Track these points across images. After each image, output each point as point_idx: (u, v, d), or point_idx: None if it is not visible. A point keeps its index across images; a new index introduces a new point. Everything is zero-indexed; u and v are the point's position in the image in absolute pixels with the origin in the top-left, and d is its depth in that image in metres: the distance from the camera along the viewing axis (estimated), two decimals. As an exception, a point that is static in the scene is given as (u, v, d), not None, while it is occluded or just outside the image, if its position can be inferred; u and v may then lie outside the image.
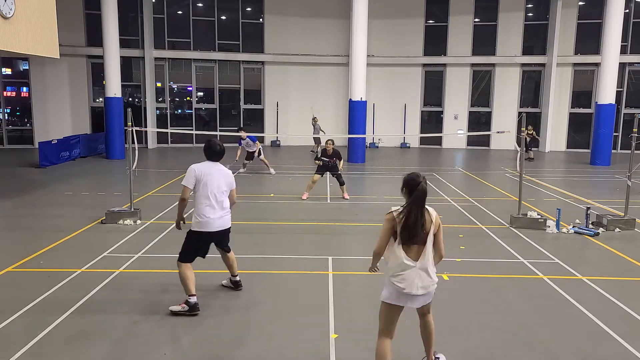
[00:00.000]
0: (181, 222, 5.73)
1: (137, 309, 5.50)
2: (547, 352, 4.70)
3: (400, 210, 3.85)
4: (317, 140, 19.93)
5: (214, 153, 5.51)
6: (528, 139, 18.91)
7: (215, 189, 5.43)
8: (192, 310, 5.31)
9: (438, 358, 4.41)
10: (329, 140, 11.87)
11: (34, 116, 22.17)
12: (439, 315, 5.38)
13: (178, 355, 4.56)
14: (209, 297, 5.82)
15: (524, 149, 9.59)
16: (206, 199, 5.40)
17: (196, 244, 5.56)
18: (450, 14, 24.09)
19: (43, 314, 5.30)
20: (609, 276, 6.68)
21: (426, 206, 3.89)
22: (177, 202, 5.63)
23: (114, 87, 18.89)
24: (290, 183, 13.66)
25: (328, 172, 11.82)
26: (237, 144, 15.45)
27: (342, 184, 11.73)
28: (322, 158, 11.62)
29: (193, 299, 5.33)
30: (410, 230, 3.79)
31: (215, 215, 5.45)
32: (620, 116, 22.69)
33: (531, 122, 20.86)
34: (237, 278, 6.05)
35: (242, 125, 20.50)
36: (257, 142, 15.25)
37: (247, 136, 15.27)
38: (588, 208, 9.19)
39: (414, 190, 3.84)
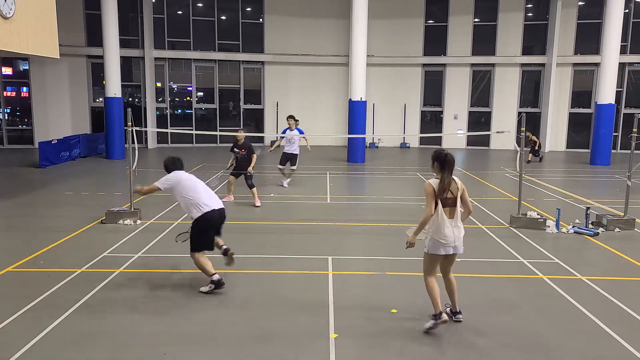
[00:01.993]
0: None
1: (137, 309, 5.50)
2: (547, 352, 4.70)
3: (438, 179, 4.93)
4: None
5: (180, 164, 6.30)
6: (532, 146, 18.80)
7: (201, 183, 6.22)
8: (218, 286, 5.89)
9: (460, 313, 5.29)
10: (241, 129, 11.22)
11: (34, 116, 22.17)
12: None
13: (178, 355, 4.56)
14: (209, 298, 5.82)
15: (524, 149, 9.58)
16: (201, 191, 6.05)
17: (204, 229, 6.00)
18: (450, 14, 24.09)
19: (43, 314, 5.30)
20: (609, 276, 6.68)
21: (453, 176, 4.99)
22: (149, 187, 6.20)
23: (114, 87, 18.89)
24: (290, 183, 13.65)
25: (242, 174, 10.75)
26: (281, 134, 13.45)
27: (250, 186, 10.71)
28: (234, 149, 10.69)
29: (216, 277, 5.88)
30: (446, 192, 4.91)
31: (213, 198, 6.10)
32: (620, 116, 22.69)
33: (531, 122, 20.85)
34: (225, 246, 6.44)
35: (242, 125, 20.11)
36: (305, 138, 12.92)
37: (297, 127, 13.02)
38: (588, 208, 9.19)
39: (445, 160, 4.93)
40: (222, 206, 6.12)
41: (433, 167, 5.05)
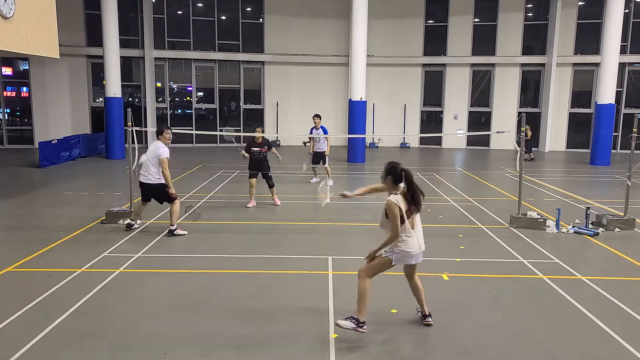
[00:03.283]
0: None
1: (137, 309, 5.50)
2: (547, 352, 4.70)
3: (400, 194, 4.73)
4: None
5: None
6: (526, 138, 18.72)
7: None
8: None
9: (430, 315, 5.16)
10: (259, 128, 11.23)
11: (34, 116, 22.18)
12: (438, 314, 5.40)
13: (178, 356, 4.56)
14: (208, 298, 5.82)
15: (524, 149, 9.59)
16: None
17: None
18: (450, 14, 24.09)
19: (43, 314, 5.30)
20: (609, 276, 6.68)
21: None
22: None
23: (114, 87, 18.89)
24: (290, 183, 13.65)
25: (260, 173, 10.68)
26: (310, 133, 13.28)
27: (271, 186, 10.75)
28: (252, 149, 10.55)
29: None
30: (413, 205, 4.77)
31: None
32: (620, 116, 22.69)
33: (531, 122, 20.84)
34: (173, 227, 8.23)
35: (242, 125, 20.00)
36: (327, 137, 12.65)
37: (321, 126, 12.99)
38: (588, 208, 9.19)
39: (400, 176, 4.73)
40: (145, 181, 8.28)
41: (385, 180, 4.81)
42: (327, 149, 13.13)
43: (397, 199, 4.68)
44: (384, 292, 6.10)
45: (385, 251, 4.87)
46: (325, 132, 13.00)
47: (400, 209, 4.66)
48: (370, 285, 4.85)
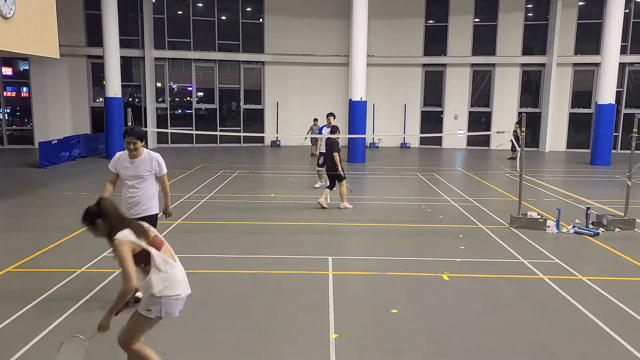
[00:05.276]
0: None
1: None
2: (547, 352, 4.70)
3: (125, 228, 3.65)
4: (313, 141, 19.59)
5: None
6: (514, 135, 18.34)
7: None
8: None
9: None
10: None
11: (34, 116, 22.18)
12: (439, 314, 5.40)
13: (178, 356, 4.56)
14: (208, 298, 5.82)
15: (524, 148, 9.58)
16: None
17: None
18: (450, 14, 24.10)
19: (43, 313, 5.30)
20: (609, 276, 6.68)
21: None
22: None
23: (114, 87, 18.89)
24: (290, 183, 13.66)
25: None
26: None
27: (340, 179, 10.69)
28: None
29: None
30: (145, 235, 3.71)
31: None
32: (620, 116, 22.69)
33: (531, 122, 20.86)
34: None
35: (242, 125, 19.78)
36: (330, 132, 11.81)
37: (322, 125, 12.48)
38: (588, 208, 9.18)
39: (103, 211, 3.72)
40: None
41: (95, 225, 3.77)
42: (316, 148, 12.84)
43: (124, 235, 3.59)
44: (386, 292, 6.11)
45: (137, 308, 3.76)
46: (319, 131, 12.54)
47: (133, 242, 3.59)
48: (148, 349, 3.90)
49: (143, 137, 5.56)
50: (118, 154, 5.70)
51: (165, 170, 5.65)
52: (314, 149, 12.99)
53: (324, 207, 10.43)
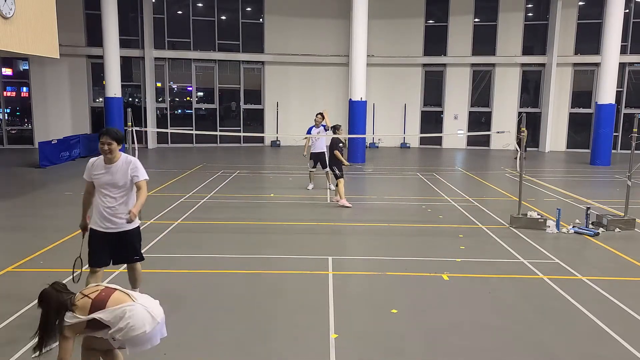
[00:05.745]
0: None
1: (137, 309, 5.49)
2: (547, 352, 4.70)
3: (82, 297, 3.60)
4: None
5: None
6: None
7: None
8: None
9: None
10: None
11: (34, 116, 22.17)
12: (439, 314, 5.40)
13: (178, 356, 4.55)
14: (208, 298, 5.82)
15: (525, 149, 9.58)
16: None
17: None
18: (450, 14, 24.09)
19: (43, 314, 5.29)
20: (609, 276, 6.68)
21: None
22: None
23: (114, 87, 18.91)
24: (290, 183, 13.66)
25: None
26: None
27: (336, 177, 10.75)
28: (339, 145, 10.79)
29: None
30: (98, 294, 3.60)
31: None
32: (620, 116, 22.69)
33: (531, 122, 20.85)
34: None
35: (242, 125, 19.71)
36: (329, 131, 11.61)
37: (323, 124, 12.25)
38: (588, 208, 9.18)
39: (49, 300, 3.61)
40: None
41: (49, 317, 3.54)
42: (306, 148, 12.55)
43: (69, 317, 3.51)
44: (386, 292, 6.11)
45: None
46: (325, 130, 12.27)
47: (78, 324, 3.51)
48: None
49: (120, 139, 4.93)
50: (92, 159, 5.09)
51: (144, 177, 5.01)
52: (304, 150, 12.76)
53: (348, 206, 10.48)
